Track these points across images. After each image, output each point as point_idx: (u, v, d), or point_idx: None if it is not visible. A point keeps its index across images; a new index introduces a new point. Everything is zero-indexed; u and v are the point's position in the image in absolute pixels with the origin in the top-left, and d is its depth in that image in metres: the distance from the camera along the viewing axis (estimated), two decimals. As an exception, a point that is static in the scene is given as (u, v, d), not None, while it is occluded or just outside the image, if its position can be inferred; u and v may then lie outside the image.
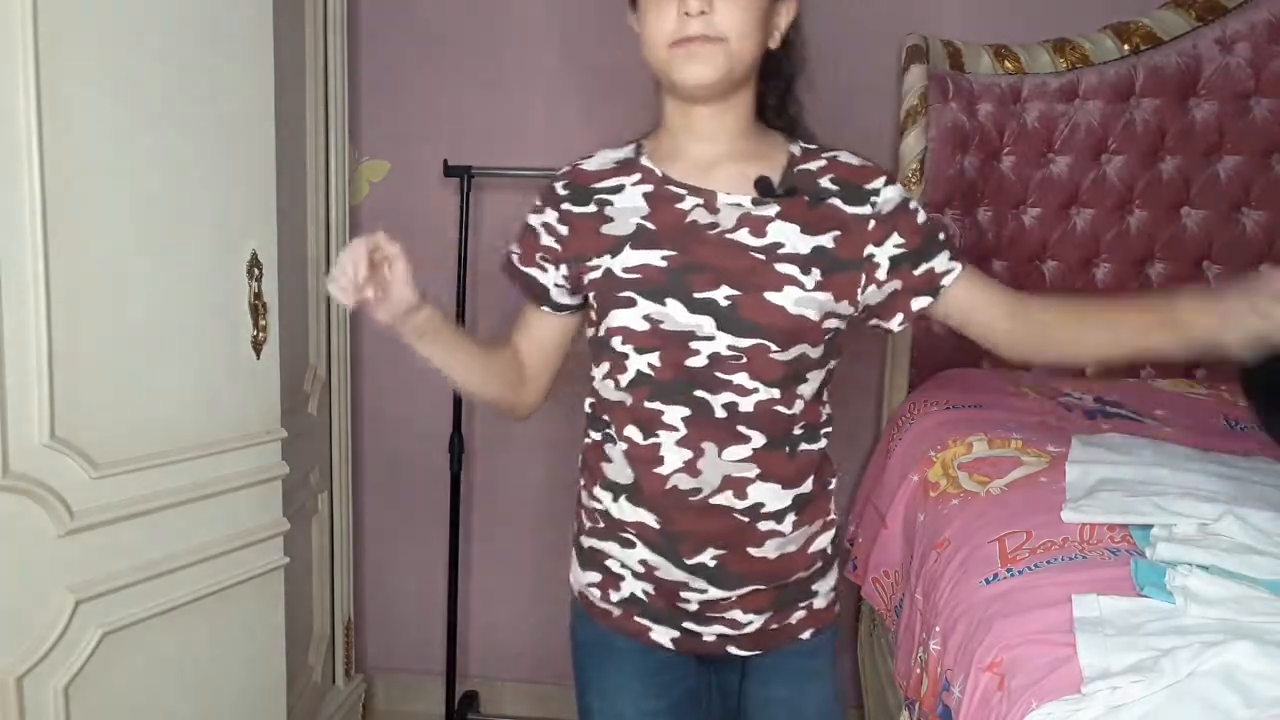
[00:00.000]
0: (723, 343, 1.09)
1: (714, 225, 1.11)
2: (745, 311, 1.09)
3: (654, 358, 1.11)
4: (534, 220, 1.19)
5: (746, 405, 1.10)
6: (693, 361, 1.10)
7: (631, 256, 1.11)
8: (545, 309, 1.21)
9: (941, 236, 1.16)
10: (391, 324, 1.13)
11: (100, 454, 1.34)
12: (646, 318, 1.10)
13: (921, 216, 1.16)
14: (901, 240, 1.13)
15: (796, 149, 1.17)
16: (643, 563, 1.16)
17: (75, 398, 1.29)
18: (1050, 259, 2.06)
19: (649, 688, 1.20)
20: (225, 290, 1.51)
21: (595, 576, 1.21)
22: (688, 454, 1.11)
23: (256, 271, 1.54)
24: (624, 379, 1.13)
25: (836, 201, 1.13)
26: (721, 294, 1.09)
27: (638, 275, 1.10)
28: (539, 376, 1.25)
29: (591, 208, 1.15)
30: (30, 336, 1.24)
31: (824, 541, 1.20)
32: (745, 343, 1.09)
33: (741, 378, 1.09)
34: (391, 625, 2.46)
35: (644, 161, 1.16)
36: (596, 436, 1.19)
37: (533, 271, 1.19)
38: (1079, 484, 1.38)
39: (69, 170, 1.25)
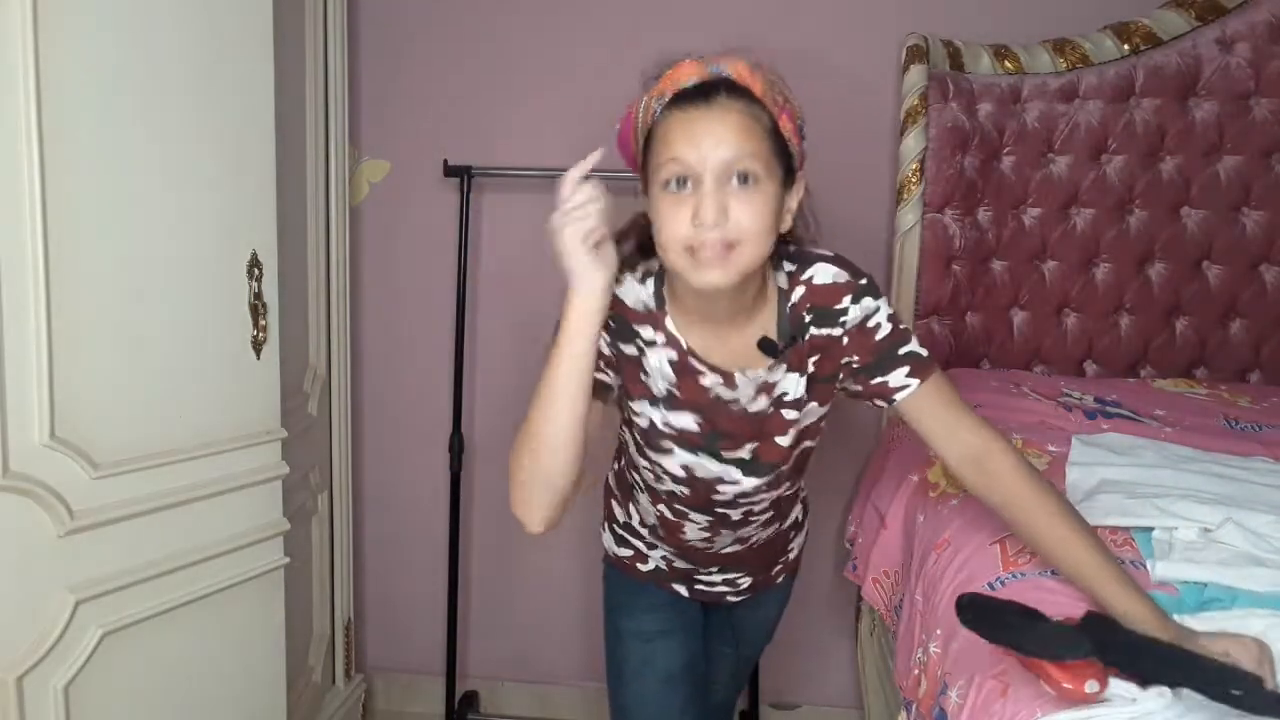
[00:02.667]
0: (749, 484, 1.28)
1: (735, 400, 1.22)
2: (764, 456, 1.26)
3: (684, 489, 1.30)
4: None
5: (761, 506, 1.34)
6: (719, 495, 1.30)
7: (669, 416, 1.24)
8: (596, 401, 1.20)
9: (902, 352, 1.18)
10: (602, 289, 1.13)
11: (100, 454, 1.34)
12: (683, 466, 1.27)
13: (881, 334, 1.18)
14: (856, 358, 1.19)
15: (783, 281, 1.20)
16: (664, 558, 1.44)
17: (75, 398, 1.29)
18: (1050, 259, 2.06)
19: (667, 613, 1.45)
20: (225, 290, 1.51)
21: (627, 552, 1.46)
22: (706, 534, 1.37)
23: (256, 271, 1.54)
24: (660, 487, 1.33)
25: (814, 330, 1.19)
26: (746, 450, 1.26)
27: (675, 433, 1.25)
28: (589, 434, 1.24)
29: (633, 350, 1.23)
30: (30, 336, 1.24)
31: (795, 514, 1.48)
32: (767, 478, 1.29)
33: (760, 497, 1.32)
34: (391, 625, 2.45)
35: (668, 325, 1.21)
36: (629, 476, 1.41)
37: (600, 376, 1.21)
38: (1079, 486, 1.38)
39: (69, 171, 1.25)
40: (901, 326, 1.19)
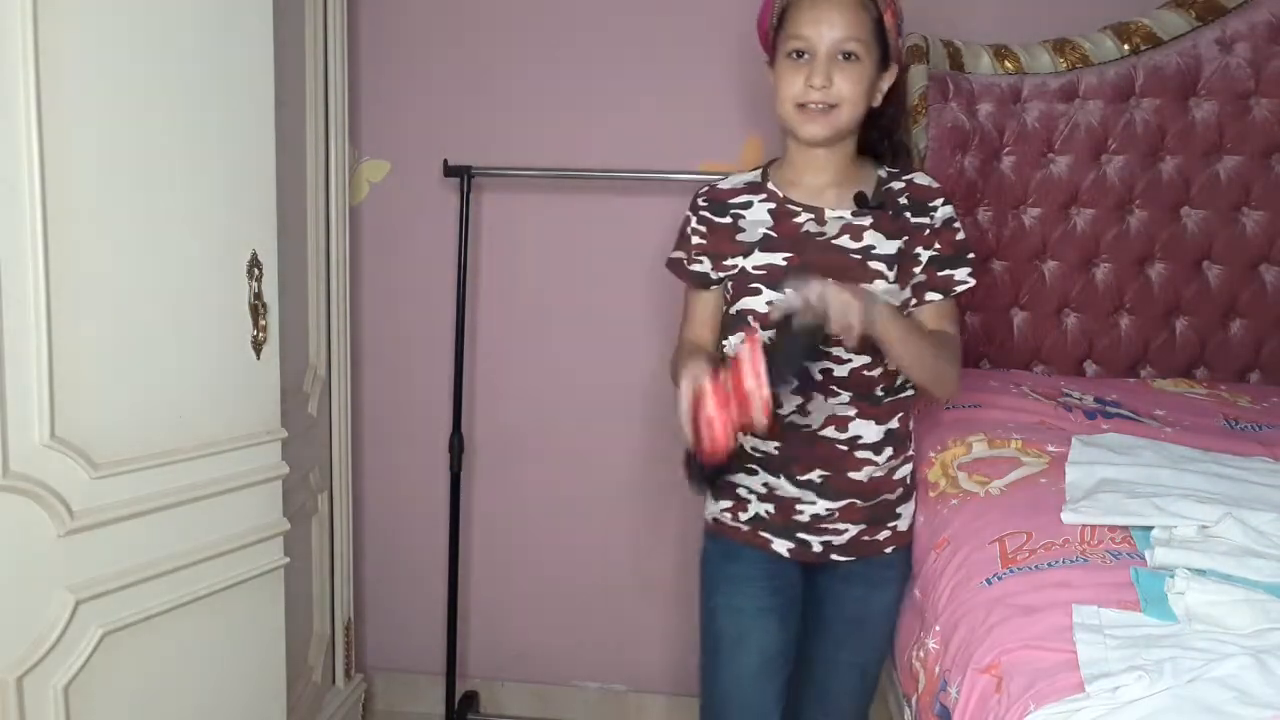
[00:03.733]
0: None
1: (822, 234, 1.43)
2: None
3: (771, 333, 1.34)
4: (687, 228, 1.52)
5: (841, 371, 1.42)
6: None
7: (759, 258, 1.44)
8: (712, 288, 1.51)
9: (969, 256, 1.46)
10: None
11: (100, 454, 1.34)
12: (769, 302, 1.41)
13: (959, 235, 1.46)
14: (939, 248, 1.44)
15: (884, 173, 1.48)
16: (765, 484, 1.48)
17: (75, 398, 1.29)
18: (1050, 259, 2.06)
19: (765, 588, 1.50)
20: (225, 290, 1.51)
21: (727, 503, 1.52)
22: (798, 398, 1.41)
23: (256, 271, 1.54)
24: None
25: (908, 215, 1.44)
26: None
27: (764, 271, 1.43)
28: (714, 343, 1.53)
29: (727, 219, 1.49)
30: (30, 336, 1.24)
31: (905, 471, 1.52)
32: None
33: (839, 350, 1.39)
34: (391, 625, 2.46)
35: (770, 186, 1.49)
36: None
37: (695, 267, 1.51)
38: (1079, 485, 1.38)
39: (69, 171, 1.25)
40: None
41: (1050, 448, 1.56)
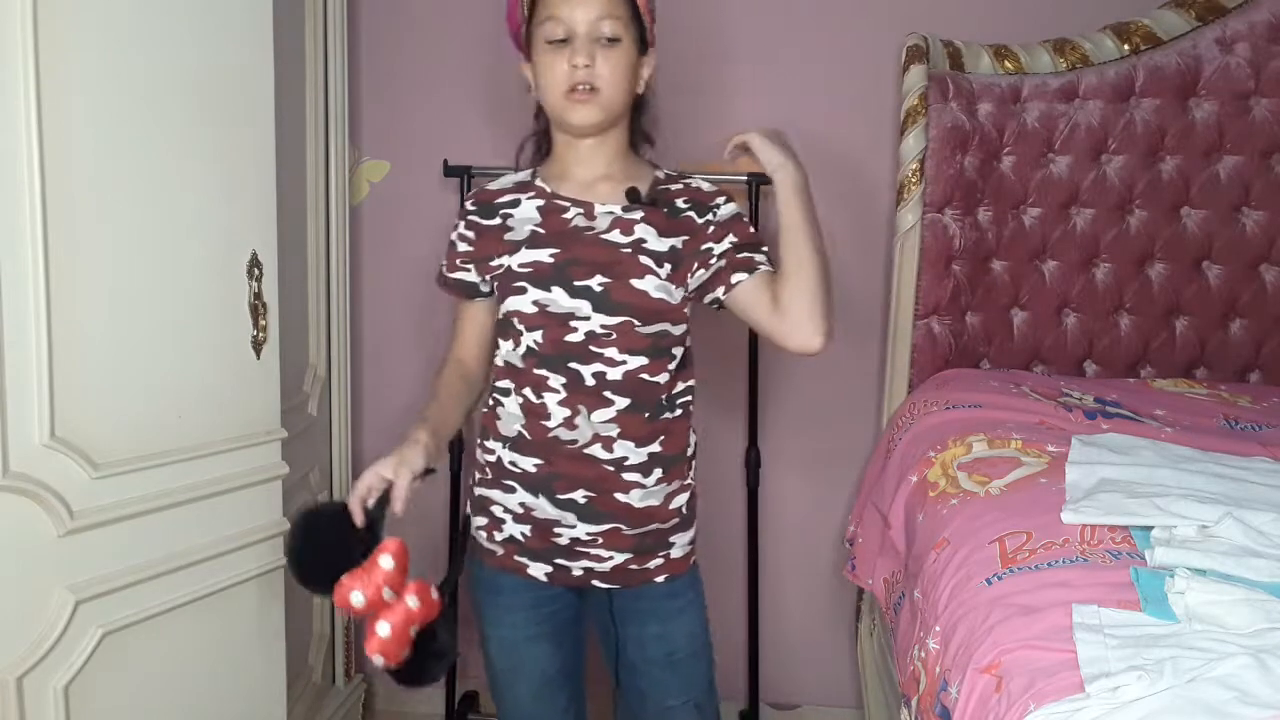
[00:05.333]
0: (598, 322, 1.37)
1: (590, 228, 1.40)
2: (616, 295, 1.37)
3: (538, 335, 1.39)
4: (453, 236, 1.49)
5: (614, 374, 1.37)
6: (572, 337, 1.37)
7: (526, 255, 1.40)
8: (478, 299, 1.48)
9: (764, 249, 1.43)
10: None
11: (100, 454, 1.34)
12: (535, 303, 1.38)
13: (752, 229, 1.45)
14: (735, 238, 1.42)
15: (661, 174, 1.47)
16: (521, 504, 1.43)
17: (75, 398, 1.29)
18: (1050, 259, 2.06)
19: (529, 616, 1.47)
20: (225, 290, 1.51)
21: (482, 520, 1.49)
22: (566, 412, 1.38)
23: (256, 271, 1.54)
24: (519, 352, 1.41)
25: (690, 214, 1.43)
26: (596, 282, 1.37)
27: (530, 269, 1.39)
28: (484, 360, 1.51)
29: (496, 220, 1.45)
30: (30, 336, 1.24)
31: (681, 500, 1.46)
32: (615, 320, 1.37)
33: (611, 351, 1.37)
34: (391, 625, 2.45)
35: (538, 182, 1.46)
36: (492, 400, 1.47)
37: (457, 275, 1.48)
38: (1079, 485, 1.38)
39: (69, 171, 1.25)
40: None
41: (1050, 448, 1.56)
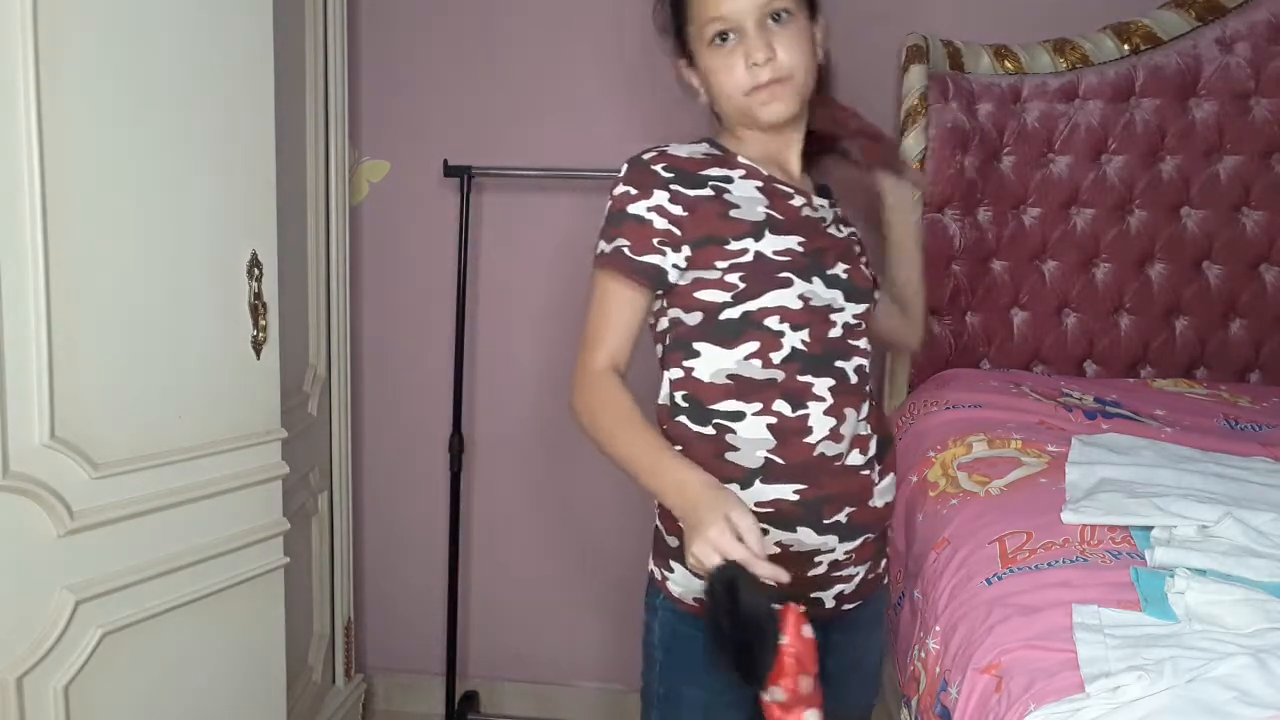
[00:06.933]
0: (850, 312, 1.22)
1: (821, 218, 1.25)
2: (855, 279, 1.24)
3: (805, 335, 1.18)
4: (639, 208, 1.17)
5: (867, 365, 1.24)
6: (832, 333, 1.20)
7: (775, 242, 1.18)
8: (659, 291, 1.20)
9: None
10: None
11: (100, 454, 1.34)
12: (800, 297, 1.18)
13: None
14: (859, 248, 1.32)
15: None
16: (776, 544, 1.16)
17: (75, 398, 1.29)
18: (1050, 259, 2.06)
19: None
20: (225, 290, 1.51)
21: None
22: (831, 421, 1.17)
23: (256, 271, 1.54)
24: (777, 356, 1.17)
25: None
26: (840, 268, 1.22)
27: (788, 257, 1.18)
28: (627, 369, 1.21)
29: (708, 191, 1.18)
30: (30, 336, 1.24)
31: (894, 492, 1.29)
32: (861, 308, 1.24)
33: (863, 342, 1.24)
34: (391, 625, 2.45)
35: (741, 160, 1.23)
36: (705, 430, 1.18)
37: (650, 258, 1.17)
38: (1079, 485, 1.38)
39: (69, 171, 1.25)
40: None
41: (1050, 448, 1.56)
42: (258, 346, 1.56)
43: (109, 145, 1.31)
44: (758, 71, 1.16)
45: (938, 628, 1.26)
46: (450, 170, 2.16)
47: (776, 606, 0.99)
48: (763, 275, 1.16)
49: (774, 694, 0.98)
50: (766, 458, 1.16)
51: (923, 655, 1.29)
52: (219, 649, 1.56)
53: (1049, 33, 2.04)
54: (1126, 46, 2.00)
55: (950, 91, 1.98)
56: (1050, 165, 2.03)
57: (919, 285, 1.42)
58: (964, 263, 2.04)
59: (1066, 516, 1.29)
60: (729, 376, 1.17)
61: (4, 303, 1.20)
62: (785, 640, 0.97)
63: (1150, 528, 1.23)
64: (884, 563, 1.31)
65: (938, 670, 1.20)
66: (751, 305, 1.17)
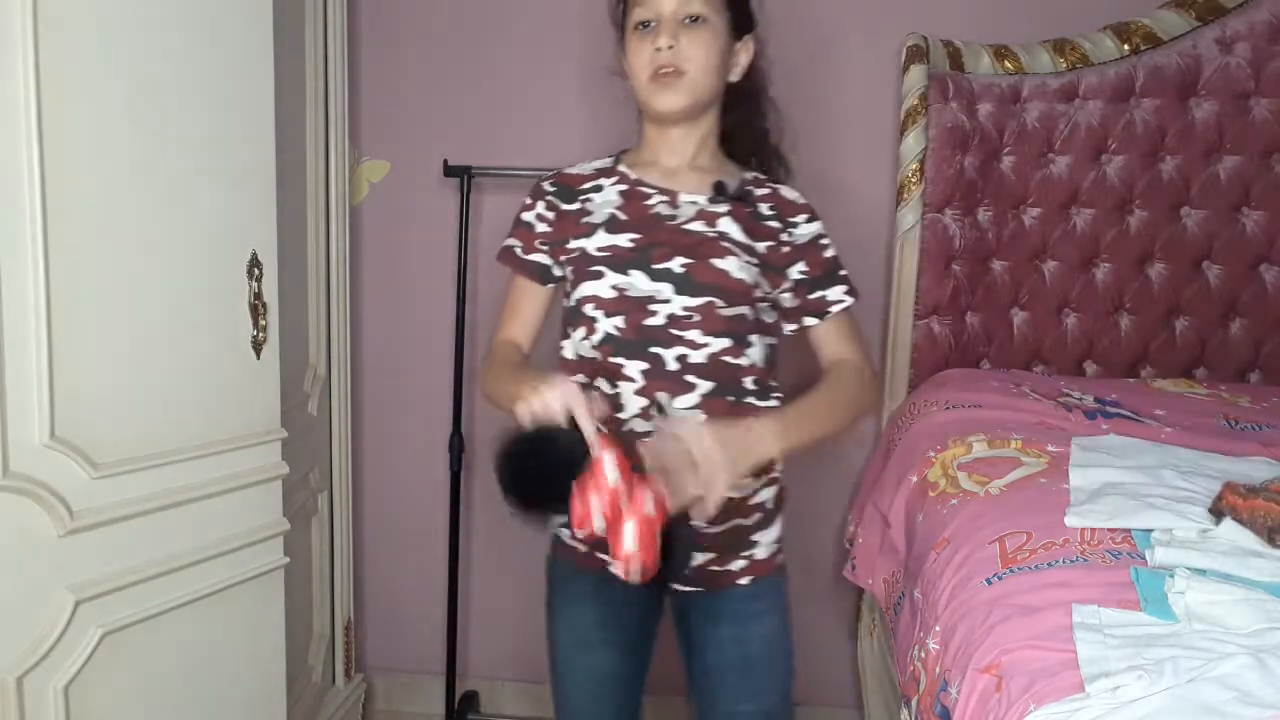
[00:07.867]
0: (679, 304, 1.31)
1: (673, 217, 1.35)
2: (698, 275, 1.31)
3: (618, 321, 1.32)
4: (529, 216, 1.42)
5: (697, 358, 1.30)
6: (652, 321, 1.31)
7: (604, 239, 1.34)
8: (548, 285, 1.42)
9: (841, 273, 1.42)
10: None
11: (100, 454, 1.34)
12: (614, 287, 1.32)
13: (828, 253, 1.41)
14: (806, 270, 1.39)
15: (750, 175, 1.42)
16: None
17: (75, 398, 1.29)
18: (1050, 259, 2.06)
19: (606, 613, 1.43)
20: (225, 290, 1.51)
21: (564, 517, 1.30)
22: (643, 401, 1.31)
23: (256, 271, 1.54)
24: (594, 339, 1.33)
25: (772, 222, 1.38)
26: (678, 263, 1.31)
27: (608, 253, 1.33)
28: (532, 347, 1.45)
29: (575, 205, 1.39)
30: (30, 336, 1.24)
31: (766, 495, 1.39)
32: (698, 301, 1.30)
33: (694, 334, 1.30)
34: (391, 625, 2.45)
35: (621, 168, 1.42)
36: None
37: (535, 256, 1.41)
38: (1082, 489, 1.38)
39: (69, 171, 1.25)
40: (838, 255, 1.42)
41: (1050, 448, 1.56)
42: (258, 346, 1.56)
43: (109, 146, 1.31)
44: (658, 56, 1.31)
45: (938, 628, 1.26)
46: (450, 170, 2.16)
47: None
48: (582, 269, 1.34)
49: (596, 522, 1.08)
50: (598, 427, 1.26)
51: (922, 655, 1.29)
52: (219, 649, 1.56)
53: (1049, 33, 2.04)
54: (1126, 46, 2.00)
55: (950, 91, 1.98)
56: (1050, 165, 2.03)
57: (815, 432, 1.30)
58: (964, 262, 2.04)
59: (1070, 520, 1.29)
60: (574, 354, 1.38)
61: (4, 303, 1.20)
62: (598, 455, 1.09)
63: (1151, 529, 1.23)
64: (742, 563, 1.37)
65: (938, 670, 1.20)
66: (576, 294, 1.35)
